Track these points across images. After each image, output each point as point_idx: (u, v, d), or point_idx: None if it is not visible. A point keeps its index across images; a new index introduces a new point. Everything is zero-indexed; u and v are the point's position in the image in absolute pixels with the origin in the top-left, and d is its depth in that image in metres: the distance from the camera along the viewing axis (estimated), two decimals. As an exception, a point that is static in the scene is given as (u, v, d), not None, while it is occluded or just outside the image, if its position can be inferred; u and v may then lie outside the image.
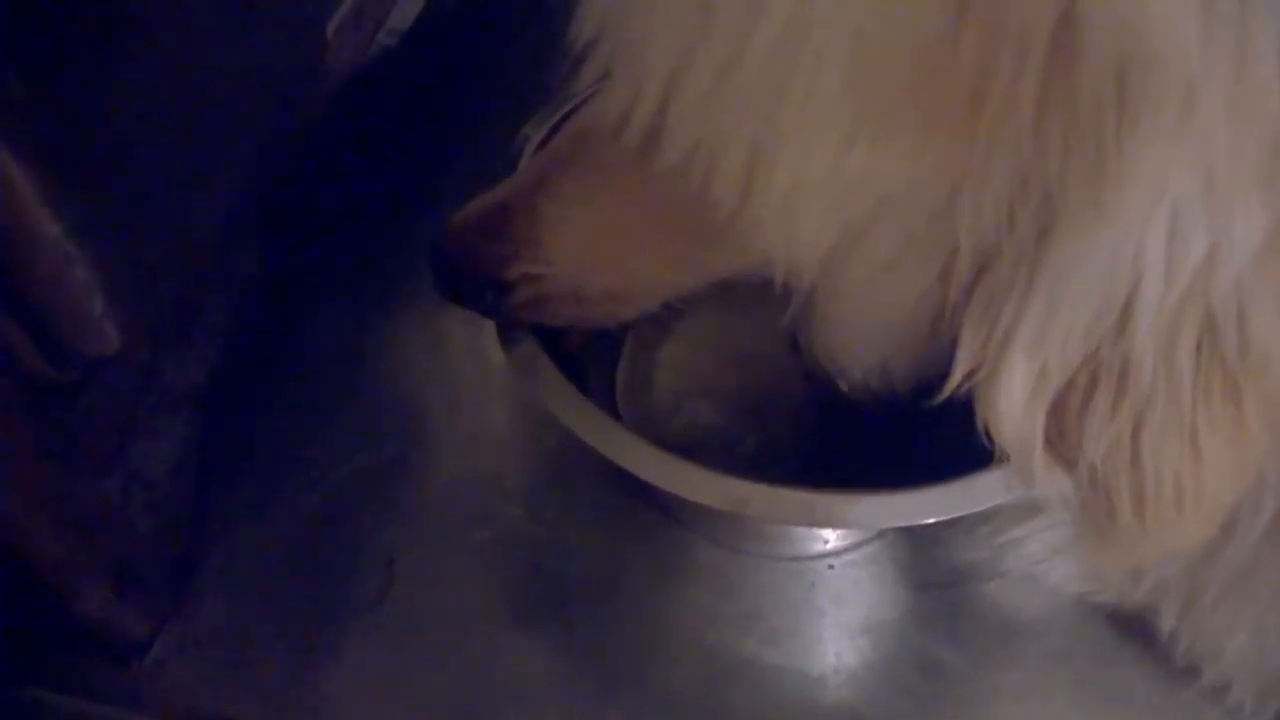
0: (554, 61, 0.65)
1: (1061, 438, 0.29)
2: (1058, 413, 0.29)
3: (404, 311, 0.53)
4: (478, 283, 0.37)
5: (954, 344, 0.29)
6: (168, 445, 0.42)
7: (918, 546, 0.44)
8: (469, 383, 0.51)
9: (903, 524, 0.33)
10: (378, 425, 0.49)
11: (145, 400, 0.40)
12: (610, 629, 0.44)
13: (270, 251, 0.47)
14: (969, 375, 0.29)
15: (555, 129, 0.47)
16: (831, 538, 0.44)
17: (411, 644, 0.44)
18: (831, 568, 0.44)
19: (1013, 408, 0.28)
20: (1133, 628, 0.40)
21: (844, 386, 0.38)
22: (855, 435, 0.46)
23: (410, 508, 0.47)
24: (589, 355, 0.48)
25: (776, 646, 0.43)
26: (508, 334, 0.40)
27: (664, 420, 0.49)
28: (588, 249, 0.36)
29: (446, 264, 0.38)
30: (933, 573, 0.43)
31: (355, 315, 0.53)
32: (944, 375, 0.29)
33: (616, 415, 0.47)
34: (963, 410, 0.29)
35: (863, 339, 0.35)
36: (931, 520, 0.33)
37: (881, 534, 0.44)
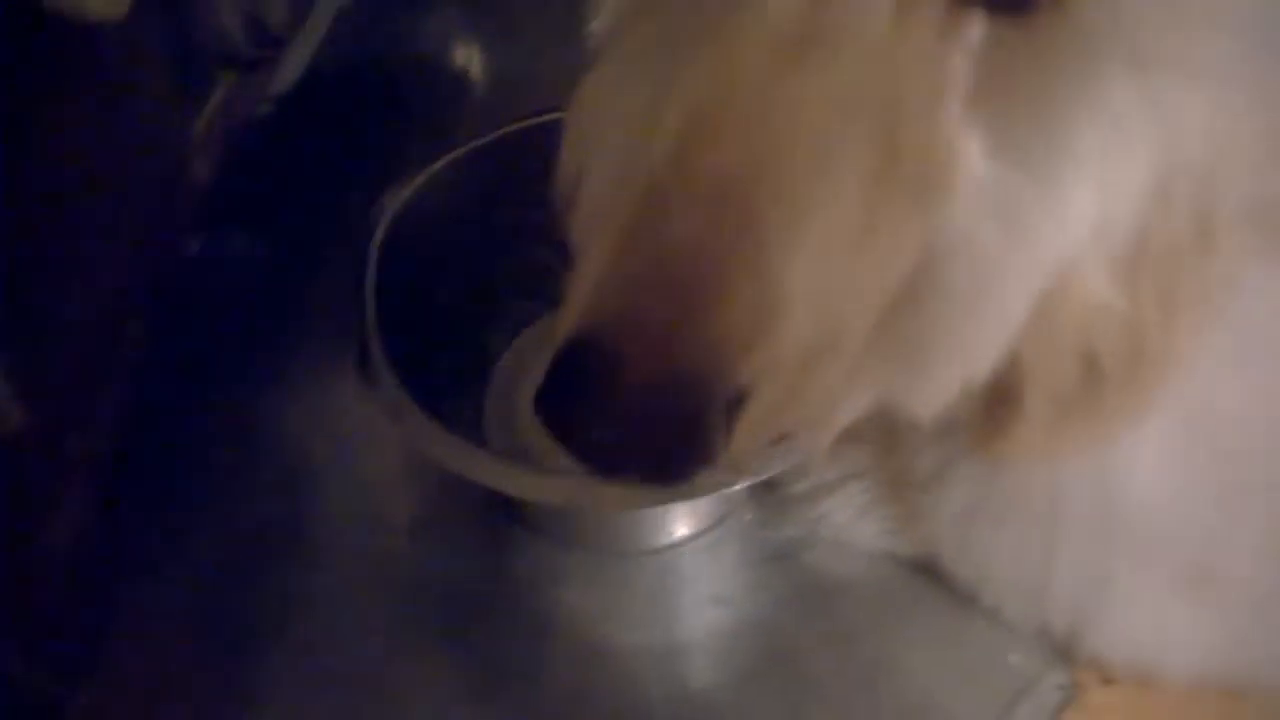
0: (411, 132, 0.71)
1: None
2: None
3: (289, 373, 0.58)
4: (697, 413, 0.23)
5: None
6: (74, 512, 0.46)
7: (749, 531, 0.51)
8: (352, 432, 0.55)
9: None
10: (272, 478, 0.54)
11: (50, 471, 0.44)
12: (496, 638, 0.49)
13: (164, 326, 0.51)
14: None
15: (413, 198, 0.54)
16: (677, 531, 0.51)
17: (319, 679, 0.48)
18: (681, 555, 0.51)
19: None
20: (928, 572, 0.48)
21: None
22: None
23: (306, 551, 0.52)
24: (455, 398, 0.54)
25: (639, 629, 0.49)
26: (370, 378, 0.45)
27: (529, 454, 0.55)
28: (832, 262, 0.24)
29: (627, 407, 0.22)
30: (764, 550, 0.50)
31: (245, 379, 0.57)
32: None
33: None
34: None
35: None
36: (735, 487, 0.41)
37: (719, 523, 0.51)
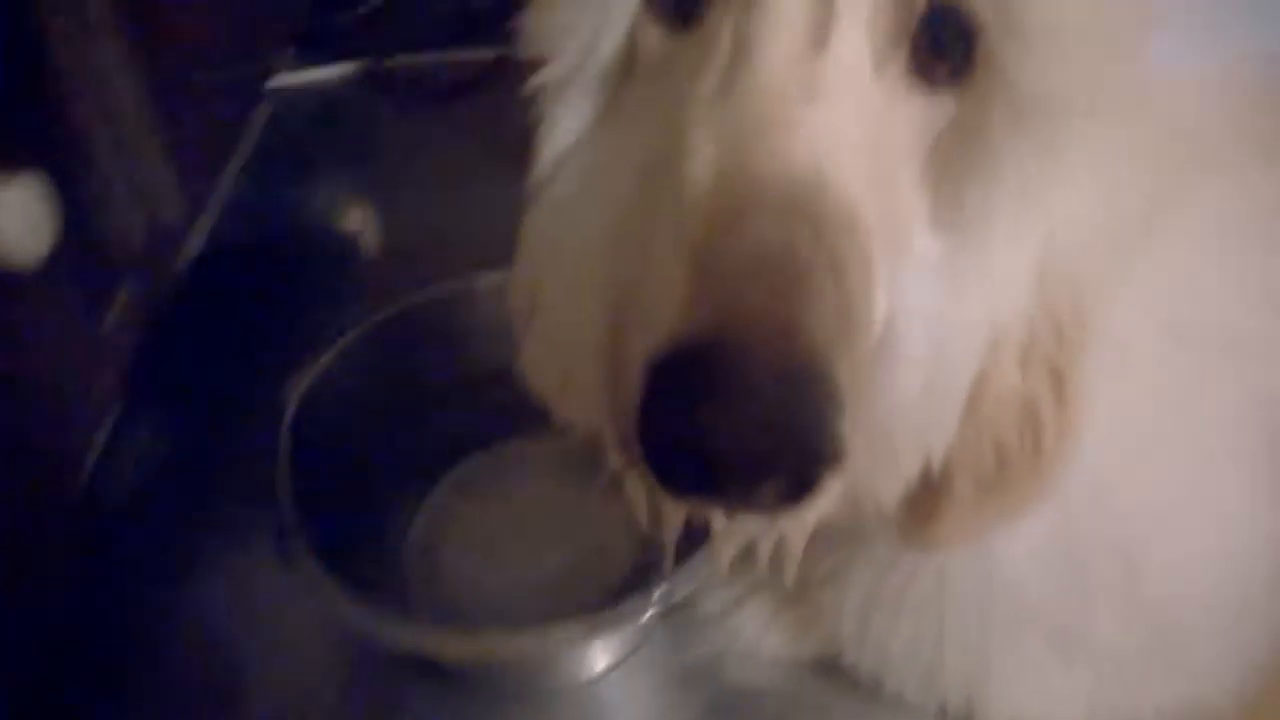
0: (309, 304, 0.74)
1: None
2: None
3: (207, 558, 0.59)
4: (824, 406, 0.23)
5: None
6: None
7: (666, 655, 0.53)
8: (274, 609, 0.57)
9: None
10: (197, 662, 0.55)
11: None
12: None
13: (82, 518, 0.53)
14: None
15: (321, 374, 0.56)
16: (596, 665, 0.53)
17: None
18: (601, 687, 0.53)
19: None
20: (834, 671, 0.50)
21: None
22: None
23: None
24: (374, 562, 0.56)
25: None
26: (289, 557, 0.48)
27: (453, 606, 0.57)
28: (873, 281, 0.27)
29: (762, 400, 0.22)
30: (680, 671, 0.53)
31: (164, 568, 0.59)
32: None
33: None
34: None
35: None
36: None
37: (635, 652, 0.53)
